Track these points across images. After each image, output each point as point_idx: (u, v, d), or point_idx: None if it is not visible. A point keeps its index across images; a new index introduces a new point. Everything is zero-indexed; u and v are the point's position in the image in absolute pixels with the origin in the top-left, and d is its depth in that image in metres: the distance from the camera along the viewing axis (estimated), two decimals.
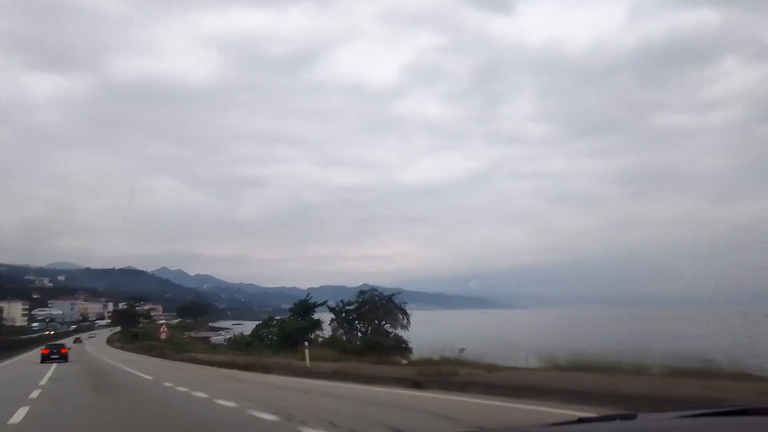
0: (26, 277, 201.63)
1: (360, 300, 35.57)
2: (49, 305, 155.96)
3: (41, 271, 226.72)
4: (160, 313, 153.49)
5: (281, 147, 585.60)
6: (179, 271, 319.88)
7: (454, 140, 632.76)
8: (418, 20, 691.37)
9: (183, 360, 31.54)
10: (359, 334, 34.06)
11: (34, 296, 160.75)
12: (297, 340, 29.53)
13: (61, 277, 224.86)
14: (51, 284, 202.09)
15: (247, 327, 58.73)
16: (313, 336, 32.54)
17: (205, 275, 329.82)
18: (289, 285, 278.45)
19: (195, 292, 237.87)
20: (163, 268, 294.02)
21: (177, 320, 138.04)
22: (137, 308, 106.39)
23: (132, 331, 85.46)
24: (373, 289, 37.29)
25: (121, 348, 60.55)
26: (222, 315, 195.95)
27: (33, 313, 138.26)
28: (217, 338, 68.11)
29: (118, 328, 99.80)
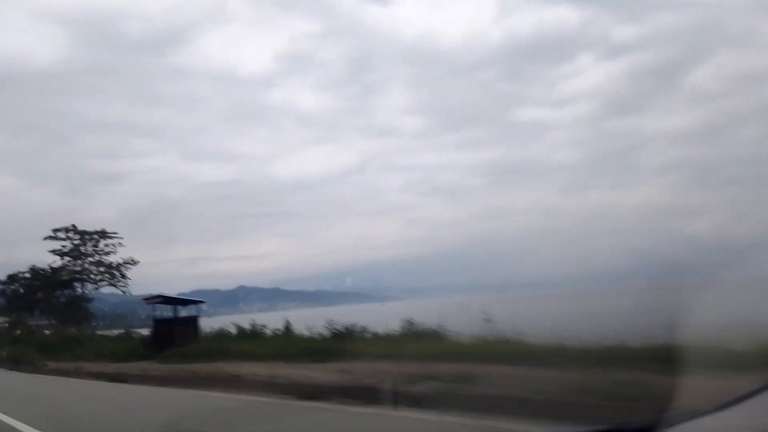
0: None
1: None
2: None
3: None
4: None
5: (140, 139, 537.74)
6: None
7: (328, 132, 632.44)
8: (292, 4, 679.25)
9: None
10: None
11: None
12: None
13: None
14: None
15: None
16: None
17: None
18: (155, 291, 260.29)
19: None
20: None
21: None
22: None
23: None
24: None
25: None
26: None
27: None
28: None
29: None
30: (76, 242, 42.07)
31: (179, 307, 23.43)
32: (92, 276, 43.46)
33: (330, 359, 12.25)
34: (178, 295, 27.41)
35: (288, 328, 19.86)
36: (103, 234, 42.30)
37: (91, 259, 42.75)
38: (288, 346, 15.50)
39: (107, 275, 42.91)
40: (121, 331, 34.06)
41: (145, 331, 24.99)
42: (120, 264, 42.50)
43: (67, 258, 42.23)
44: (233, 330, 21.91)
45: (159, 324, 22.36)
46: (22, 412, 10.09)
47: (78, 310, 43.98)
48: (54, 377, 19.09)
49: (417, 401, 7.48)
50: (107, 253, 42.57)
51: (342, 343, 14.27)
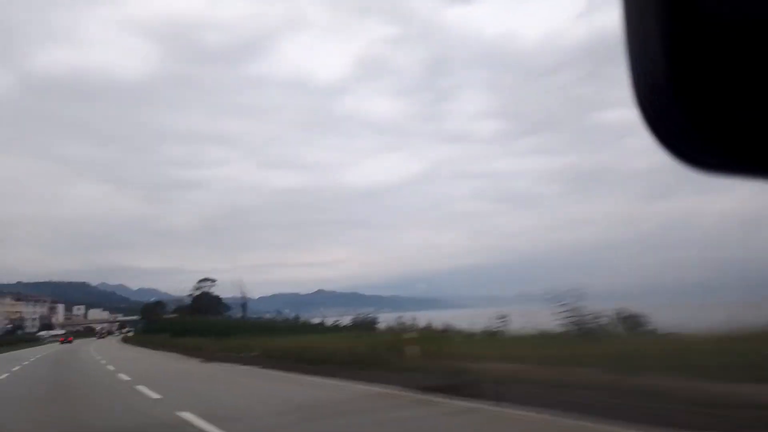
0: None
1: None
2: None
3: None
4: None
5: (217, 147, 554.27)
6: (121, 285, 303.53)
7: (400, 138, 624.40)
8: (369, 8, 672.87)
9: None
10: None
11: None
12: None
13: None
14: None
15: None
16: None
17: (149, 288, 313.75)
18: (239, 294, 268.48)
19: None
20: (103, 283, 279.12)
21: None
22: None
23: None
24: None
25: None
26: None
27: None
28: None
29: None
30: None
31: None
32: None
33: None
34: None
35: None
36: None
37: None
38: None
39: None
40: None
41: None
42: None
43: None
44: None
45: None
46: None
47: None
48: None
49: None
50: None
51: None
